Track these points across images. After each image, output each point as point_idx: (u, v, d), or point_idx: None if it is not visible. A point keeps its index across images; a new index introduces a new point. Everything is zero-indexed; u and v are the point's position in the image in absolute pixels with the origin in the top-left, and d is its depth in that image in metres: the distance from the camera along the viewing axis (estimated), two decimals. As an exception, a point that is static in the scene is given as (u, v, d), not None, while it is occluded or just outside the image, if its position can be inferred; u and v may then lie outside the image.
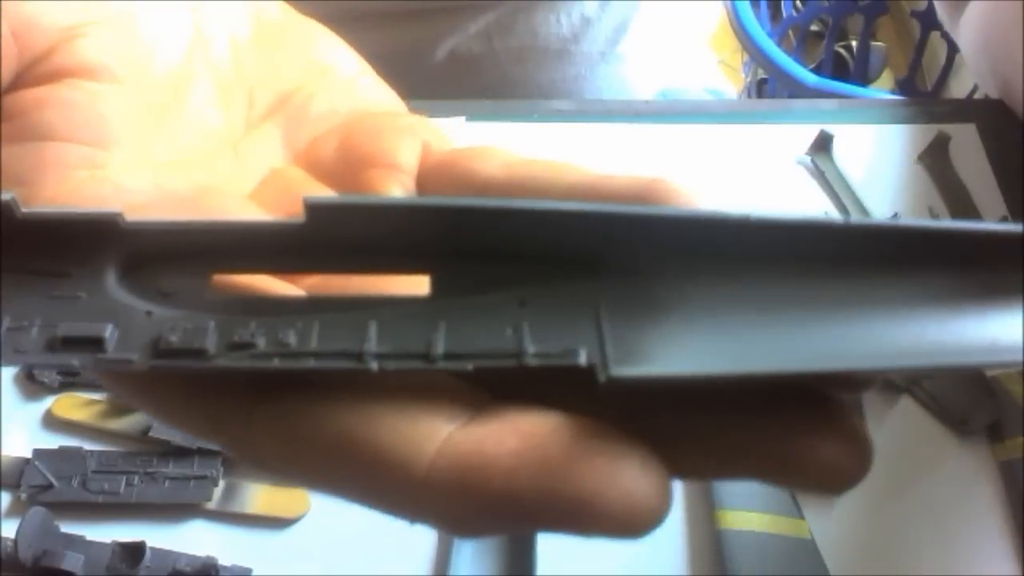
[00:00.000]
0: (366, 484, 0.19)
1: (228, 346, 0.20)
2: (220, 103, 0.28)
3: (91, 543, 0.42)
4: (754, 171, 0.57)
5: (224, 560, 0.42)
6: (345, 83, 0.29)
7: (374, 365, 0.19)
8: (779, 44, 1.18)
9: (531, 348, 0.19)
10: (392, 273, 0.22)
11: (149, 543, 0.42)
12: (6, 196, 0.20)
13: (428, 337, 0.20)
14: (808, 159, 0.57)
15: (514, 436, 0.18)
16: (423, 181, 0.26)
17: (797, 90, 1.09)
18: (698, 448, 0.19)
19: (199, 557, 0.42)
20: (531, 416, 0.19)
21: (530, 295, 0.20)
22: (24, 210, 0.21)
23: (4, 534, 0.42)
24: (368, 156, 0.26)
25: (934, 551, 0.43)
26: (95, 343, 0.20)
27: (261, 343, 0.20)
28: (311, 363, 0.19)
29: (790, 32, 1.41)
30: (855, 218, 0.20)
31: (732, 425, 0.19)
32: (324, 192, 0.26)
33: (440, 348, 0.19)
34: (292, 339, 0.20)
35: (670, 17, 0.76)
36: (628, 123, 0.59)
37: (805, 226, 0.20)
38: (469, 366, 0.19)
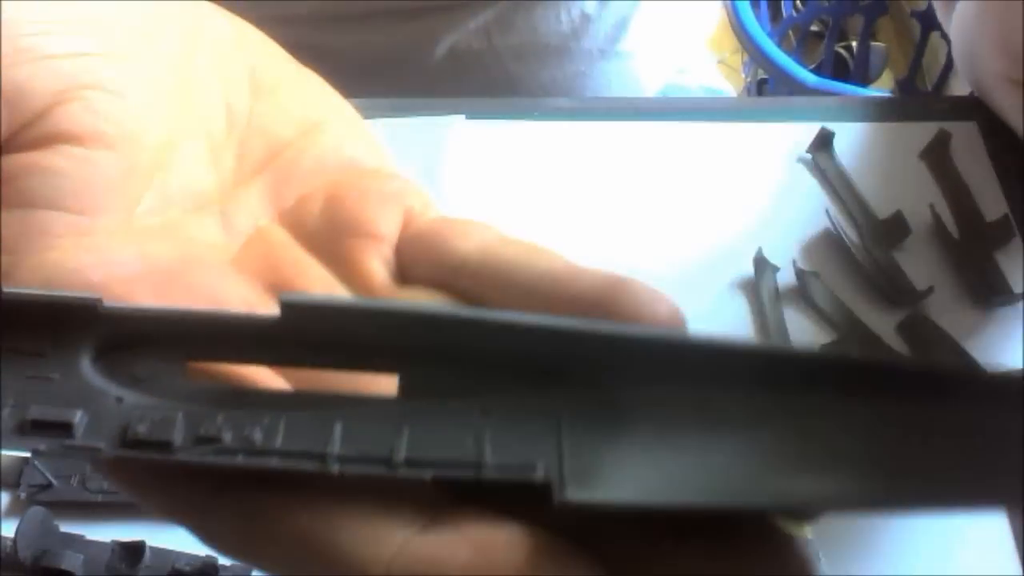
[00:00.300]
0: None
1: (194, 439, 0.20)
2: (209, 161, 0.28)
3: (90, 542, 0.42)
4: (755, 169, 0.57)
5: (224, 560, 0.42)
6: (335, 140, 0.29)
7: (336, 468, 0.20)
8: (779, 44, 1.18)
9: (491, 460, 0.20)
10: (362, 371, 0.22)
11: (149, 542, 0.42)
12: None
13: (391, 442, 0.20)
14: (809, 157, 0.57)
15: (468, 548, 0.19)
16: (403, 250, 0.26)
17: (797, 90, 1.09)
18: (646, 568, 0.19)
19: (199, 557, 0.42)
20: (485, 528, 0.19)
21: (493, 403, 0.21)
22: (6, 290, 0.21)
23: (3, 534, 0.42)
24: (351, 223, 0.27)
25: (934, 551, 0.43)
26: (64, 428, 0.20)
27: (227, 438, 0.20)
28: (274, 462, 0.20)
29: (790, 32, 1.41)
30: (798, 347, 0.21)
31: (681, 551, 0.19)
32: (305, 259, 0.26)
33: (402, 454, 0.20)
34: (257, 436, 0.20)
35: (670, 15, 0.76)
36: (629, 121, 0.59)
37: (755, 353, 0.21)
38: (428, 476, 0.20)
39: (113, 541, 0.42)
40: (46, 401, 0.20)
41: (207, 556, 0.42)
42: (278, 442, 0.20)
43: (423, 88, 0.69)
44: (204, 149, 0.28)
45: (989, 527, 0.43)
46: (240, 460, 0.20)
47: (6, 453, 0.45)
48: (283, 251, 0.27)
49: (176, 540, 0.43)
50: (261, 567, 0.21)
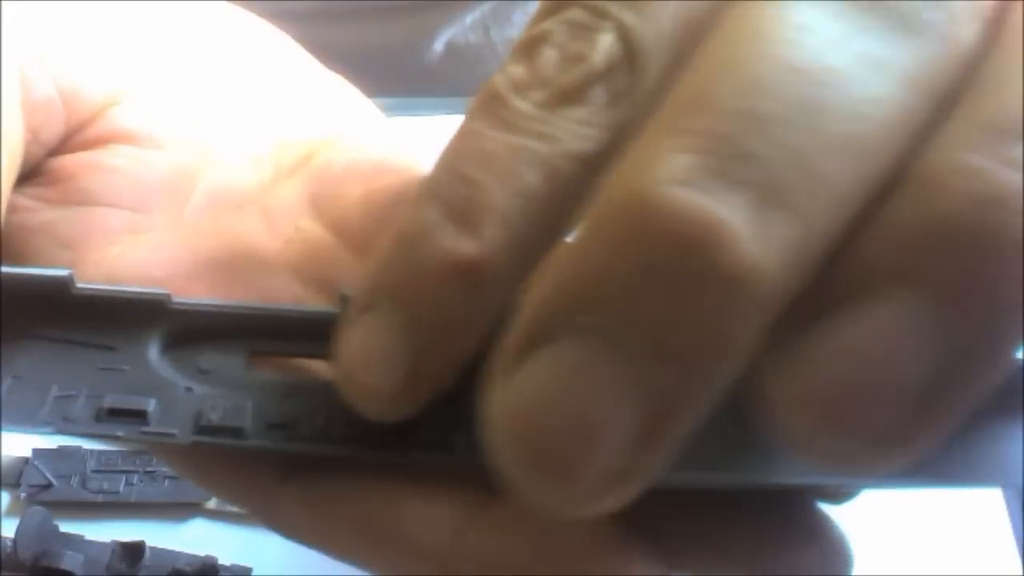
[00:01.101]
0: (388, 562, 0.20)
1: (266, 426, 0.21)
2: (248, 160, 0.28)
3: (90, 542, 0.42)
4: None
5: (224, 560, 0.42)
6: (367, 139, 0.30)
7: (413, 455, 0.20)
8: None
9: None
10: None
11: (149, 542, 0.42)
12: (64, 272, 0.21)
13: (454, 429, 0.20)
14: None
15: (532, 530, 0.19)
16: None
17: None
18: (690, 546, 0.20)
19: (199, 556, 0.42)
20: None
21: None
22: (79, 285, 0.22)
23: (3, 533, 0.42)
24: (389, 219, 0.27)
25: (934, 551, 0.43)
26: (139, 415, 0.21)
27: (296, 424, 0.21)
28: (342, 450, 0.20)
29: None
30: None
31: (723, 528, 0.20)
32: (348, 257, 0.27)
33: (463, 441, 0.20)
34: (325, 422, 0.21)
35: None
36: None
37: None
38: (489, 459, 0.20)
39: (113, 541, 0.42)
40: (119, 391, 0.21)
41: (207, 556, 0.42)
42: (344, 429, 0.20)
43: (420, 82, 0.69)
44: (241, 148, 0.28)
45: (989, 527, 0.43)
46: (310, 447, 0.20)
47: (6, 453, 0.45)
48: (328, 251, 0.27)
49: (176, 540, 0.43)
50: (326, 550, 0.21)
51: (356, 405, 0.19)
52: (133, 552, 0.42)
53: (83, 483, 0.44)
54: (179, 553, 0.42)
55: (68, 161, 0.25)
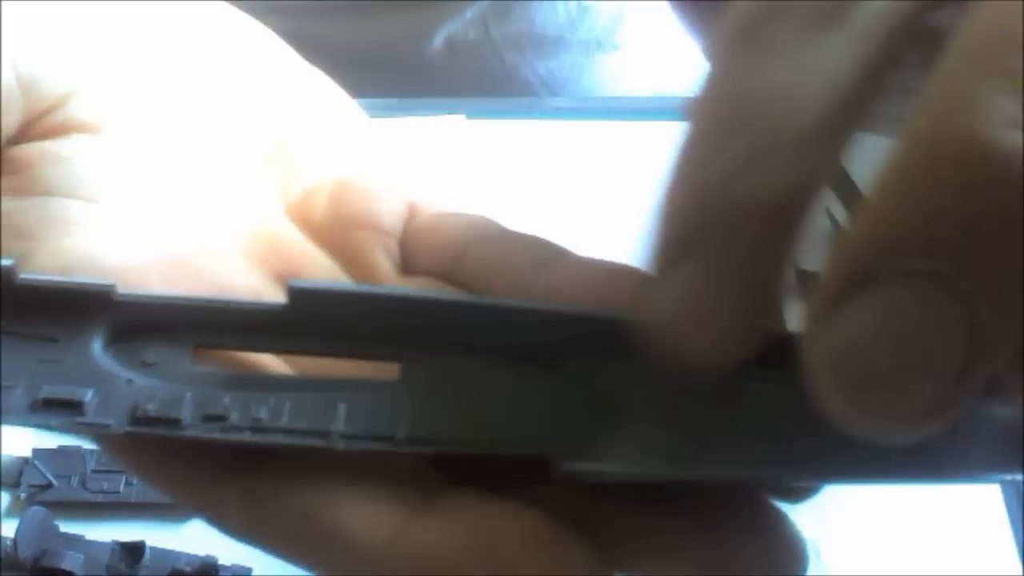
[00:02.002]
0: (324, 561, 0.20)
1: (202, 417, 0.21)
2: (216, 153, 0.28)
3: (91, 542, 0.42)
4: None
5: (224, 560, 0.42)
6: (342, 134, 0.30)
7: (340, 444, 0.20)
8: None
9: (491, 436, 0.20)
10: (367, 359, 0.23)
11: (149, 542, 0.42)
12: (7, 261, 0.21)
13: (394, 420, 0.21)
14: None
15: (464, 530, 0.19)
16: (406, 242, 0.27)
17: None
18: (640, 545, 0.20)
19: (199, 557, 0.42)
20: (482, 509, 0.20)
21: (494, 386, 0.21)
22: (22, 275, 0.22)
23: (3, 533, 0.42)
24: (356, 216, 0.27)
25: (934, 550, 0.43)
26: (75, 406, 0.21)
27: (234, 416, 0.21)
28: (280, 438, 0.20)
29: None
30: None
31: (674, 526, 0.20)
32: (311, 249, 0.27)
33: (404, 431, 0.20)
34: (264, 414, 0.21)
35: (667, 7, 0.76)
36: (629, 120, 0.59)
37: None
38: (430, 451, 0.20)
39: (113, 541, 0.42)
40: (58, 382, 0.21)
41: (207, 556, 0.42)
42: (284, 420, 0.21)
43: (420, 78, 0.69)
44: (212, 140, 0.28)
45: (989, 527, 0.43)
46: (247, 437, 0.20)
47: (6, 453, 0.45)
48: (289, 242, 0.27)
49: (176, 540, 0.43)
50: (263, 546, 0.21)
51: (677, 361, 0.17)
52: (133, 552, 0.42)
53: (83, 483, 0.44)
54: (179, 553, 0.42)
55: (25, 151, 0.25)
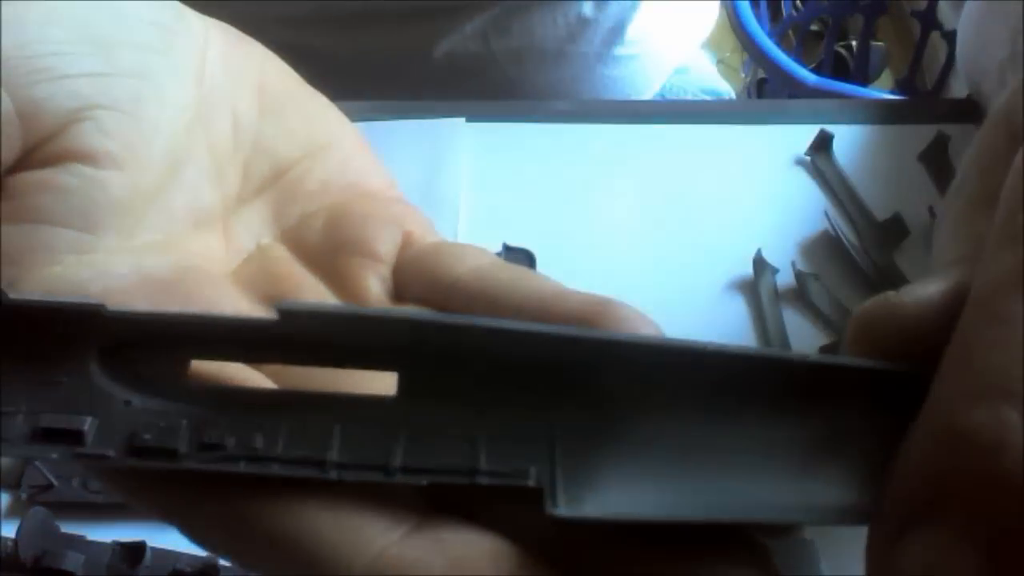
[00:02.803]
0: None
1: (199, 446, 0.21)
2: (214, 178, 0.28)
3: (91, 543, 0.42)
4: (754, 171, 0.57)
5: (224, 560, 0.42)
6: (341, 161, 0.30)
7: (334, 475, 0.20)
8: (779, 44, 1.18)
9: (484, 466, 0.20)
10: (359, 369, 0.23)
11: (149, 543, 0.42)
12: None
13: (388, 448, 0.21)
14: (808, 159, 0.57)
15: (443, 560, 0.19)
16: (399, 271, 0.27)
17: (797, 90, 1.09)
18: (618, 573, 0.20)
19: (200, 557, 0.42)
20: (464, 540, 0.20)
21: (488, 410, 0.21)
22: (12, 296, 0.22)
23: (4, 534, 0.42)
24: (351, 243, 0.28)
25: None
26: (74, 436, 0.21)
27: (230, 444, 0.21)
28: (276, 469, 0.20)
29: (790, 32, 1.41)
30: (789, 353, 0.21)
31: (650, 557, 0.19)
32: (303, 274, 0.27)
33: (398, 461, 0.20)
34: (259, 442, 0.21)
35: (669, 16, 0.76)
36: (628, 124, 0.59)
37: (742, 358, 0.21)
38: (424, 482, 0.20)
39: (114, 542, 0.42)
40: (57, 407, 0.21)
41: (207, 557, 0.42)
42: (279, 449, 0.21)
43: (420, 91, 0.69)
44: (210, 165, 0.28)
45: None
46: (243, 467, 0.20)
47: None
48: (282, 266, 0.27)
49: (177, 541, 0.42)
50: (245, 566, 0.22)
51: None
52: (134, 552, 0.42)
53: (84, 484, 0.44)
54: (179, 553, 0.42)
55: (20, 179, 0.25)
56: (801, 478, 0.20)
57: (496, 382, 0.22)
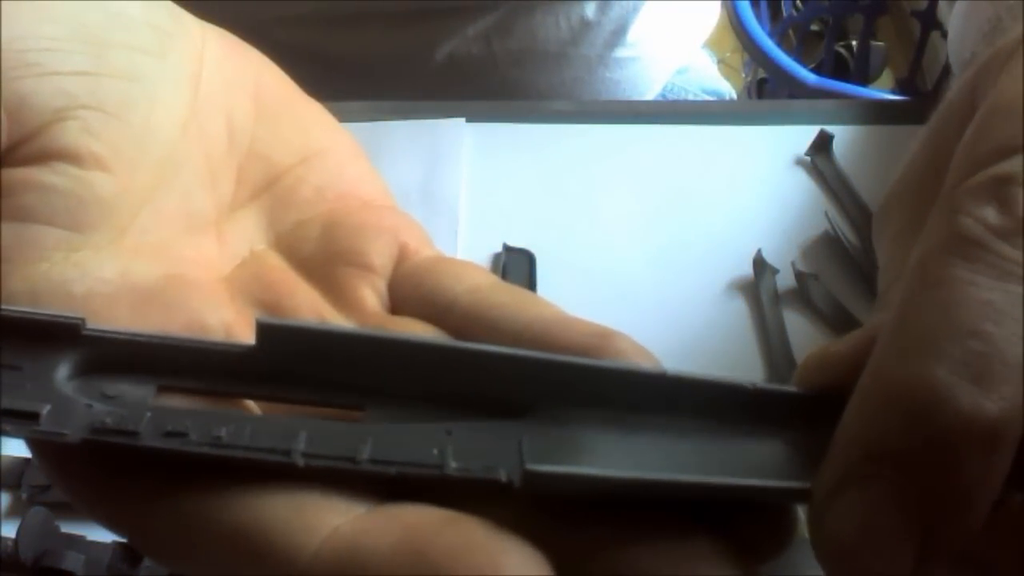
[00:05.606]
0: (252, 573, 0.20)
1: (162, 433, 0.20)
2: (208, 183, 0.28)
3: (92, 543, 0.42)
4: (754, 172, 0.57)
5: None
6: (336, 169, 0.30)
7: (301, 461, 0.20)
8: (779, 44, 1.18)
9: (453, 464, 0.20)
10: (333, 407, 0.23)
11: (150, 543, 0.42)
12: None
13: (356, 443, 0.21)
14: (808, 159, 0.57)
15: (397, 529, 0.19)
16: (396, 286, 0.27)
17: (797, 90, 1.09)
18: (598, 567, 0.20)
19: (199, 557, 0.42)
20: (418, 510, 0.20)
21: (457, 426, 0.22)
22: None
23: (4, 534, 0.42)
24: (345, 253, 0.27)
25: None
26: (31, 417, 0.21)
27: (193, 435, 0.21)
28: (240, 453, 0.20)
29: (790, 31, 1.41)
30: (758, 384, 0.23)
31: (630, 549, 0.20)
32: (297, 281, 0.27)
33: (366, 454, 0.20)
34: (223, 433, 0.21)
35: (670, 17, 0.76)
36: (628, 124, 0.59)
37: (710, 386, 0.22)
38: (392, 471, 0.20)
39: (114, 541, 0.42)
40: (18, 399, 0.21)
41: (208, 557, 0.42)
42: (245, 439, 0.21)
43: (422, 93, 0.69)
44: (204, 170, 0.28)
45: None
46: (206, 450, 0.20)
47: (7, 454, 0.45)
48: (276, 273, 0.27)
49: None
50: (193, 571, 0.21)
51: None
52: (134, 552, 0.42)
53: (84, 484, 0.44)
54: (180, 554, 0.42)
55: (7, 175, 0.25)
56: (749, 464, 0.22)
57: (468, 404, 0.22)
